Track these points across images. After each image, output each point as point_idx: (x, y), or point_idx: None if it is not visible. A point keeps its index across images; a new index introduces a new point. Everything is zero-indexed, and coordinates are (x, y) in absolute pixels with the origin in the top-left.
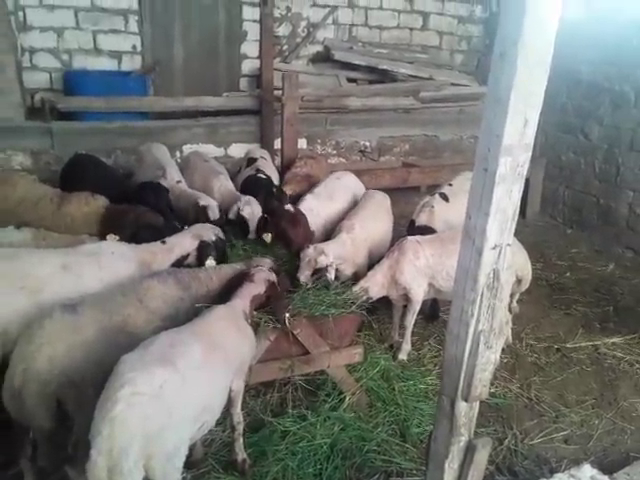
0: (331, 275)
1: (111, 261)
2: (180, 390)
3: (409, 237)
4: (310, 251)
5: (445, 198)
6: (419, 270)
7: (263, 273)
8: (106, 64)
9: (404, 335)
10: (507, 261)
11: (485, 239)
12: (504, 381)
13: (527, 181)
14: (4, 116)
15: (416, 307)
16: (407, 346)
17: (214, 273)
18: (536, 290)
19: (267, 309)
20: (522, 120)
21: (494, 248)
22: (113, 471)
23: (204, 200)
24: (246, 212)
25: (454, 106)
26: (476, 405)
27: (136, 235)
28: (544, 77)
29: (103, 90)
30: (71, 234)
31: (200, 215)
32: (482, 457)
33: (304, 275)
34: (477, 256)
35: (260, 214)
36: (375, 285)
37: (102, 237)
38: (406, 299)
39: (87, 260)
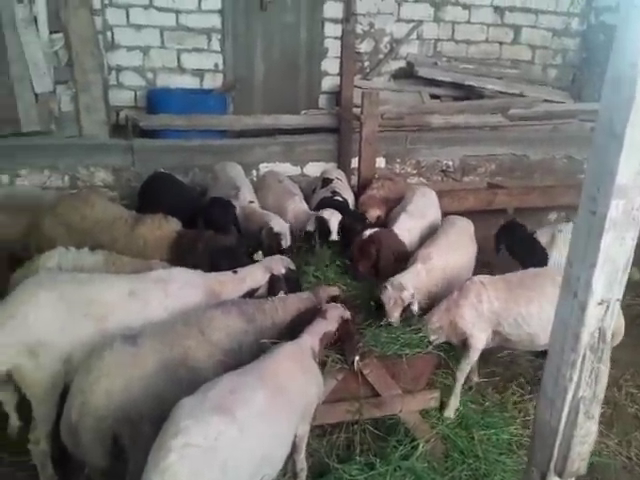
0: (415, 307)
1: (178, 289)
2: (237, 442)
3: (474, 277)
4: (390, 291)
5: None
6: (481, 315)
7: (337, 310)
8: (189, 82)
9: (454, 388)
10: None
11: (590, 293)
12: (600, 436)
13: None
14: (89, 133)
15: (474, 356)
16: (455, 401)
17: (279, 304)
18: (635, 329)
19: (335, 347)
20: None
21: (601, 304)
22: None
23: (278, 226)
24: (326, 214)
25: (547, 124)
26: None
27: (212, 259)
28: None
29: (184, 108)
30: (143, 257)
31: (272, 241)
32: None
33: (394, 318)
34: (579, 312)
35: (340, 217)
36: (431, 329)
37: (173, 262)
38: (465, 346)
39: (154, 287)
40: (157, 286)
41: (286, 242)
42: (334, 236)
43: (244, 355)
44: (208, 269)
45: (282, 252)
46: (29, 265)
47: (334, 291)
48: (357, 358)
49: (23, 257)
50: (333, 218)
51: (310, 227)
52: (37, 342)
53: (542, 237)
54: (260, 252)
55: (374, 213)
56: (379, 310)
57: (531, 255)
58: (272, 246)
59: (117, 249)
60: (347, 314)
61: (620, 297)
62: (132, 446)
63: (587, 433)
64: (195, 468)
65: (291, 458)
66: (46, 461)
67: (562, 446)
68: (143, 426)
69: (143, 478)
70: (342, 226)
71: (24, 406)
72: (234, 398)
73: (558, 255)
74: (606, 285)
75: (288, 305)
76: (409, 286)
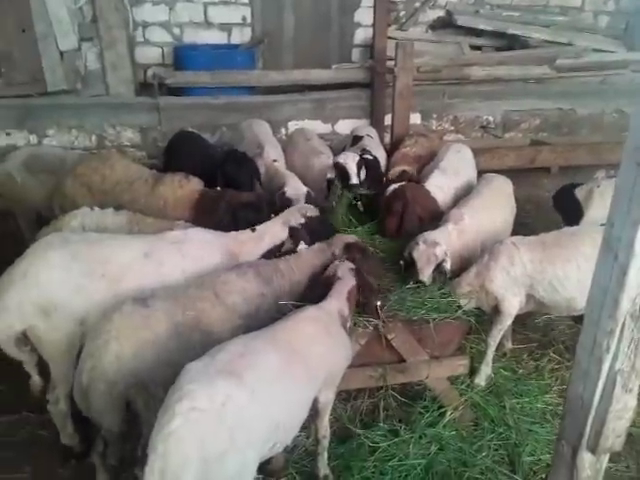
0: (448, 265)
1: (195, 250)
2: (246, 408)
3: (506, 239)
4: (422, 247)
5: None
6: (514, 278)
7: (344, 264)
8: (216, 37)
9: (485, 354)
10: None
11: (633, 254)
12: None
13: None
14: (116, 92)
15: (506, 321)
16: (487, 369)
17: (294, 262)
18: None
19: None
20: None
21: None
22: None
23: (291, 190)
24: (341, 159)
25: (596, 75)
26: (605, 457)
27: (236, 217)
28: None
29: (212, 64)
30: (164, 216)
31: (284, 205)
32: None
33: (426, 276)
34: (620, 275)
35: (358, 158)
36: (461, 294)
37: (195, 221)
38: (497, 312)
39: (170, 248)
40: (173, 247)
41: (297, 192)
42: (354, 179)
43: (262, 318)
44: (231, 228)
45: None
46: (54, 224)
47: (349, 238)
48: (379, 303)
49: (50, 218)
50: (349, 161)
51: (330, 174)
52: (49, 302)
53: (580, 193)
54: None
55: (398, 168)
56: (407, 270)
57: (568, 212)
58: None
59: (138, 209)
60: (351, 266)
61: None
62: (146, 411)
63: (624, 408)
64: (201, 433)
65: (314, 424)
66: (65, 421)
67: (595, 421)
68: (156, 390)
69: (150, 443)
70: (366, 167)
71: (45, 365)
72: (244, 362)
73: (594, 212)
74: None
75: (303, 262)
76: (442, 242)
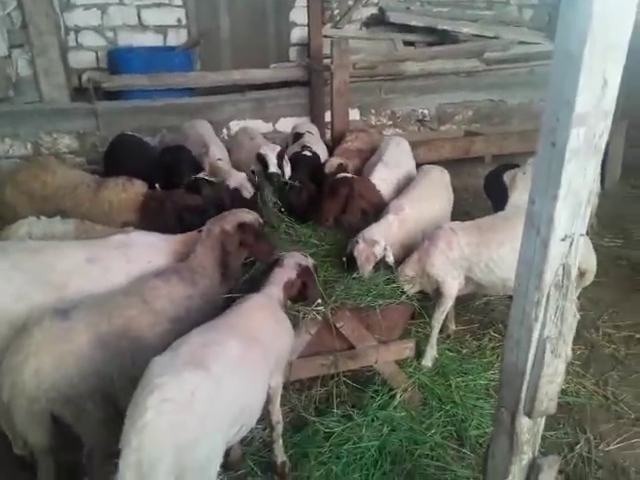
0: (390, 258)
1: (140, 253)
2: (214, 396)
3: (444, 225)
4: (362, 246)
5: None
6: (453, 262)
7: (293, 258)
8: (152, 40)
9: (430, 337)
10: (579, 254)
11: (553, 228)
12: (577, 376)
13: (605, 147)
14: (50, 98)
15: (447, 303)
16: (432, 350)
17: (199, 259)
18: (615, 270)
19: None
20: (600, 81)
21: (564, 239)
22: None
23: (233, 182)
24: (262, 150)
25: (524, 66)
26: (541, 420)
27: (182, 219)
28: (629, 23)
29: (149, 67)
30: (109, 220)
31: (233, 198)
32: (548, 478)
33: (366, 272)
34: (543, 249)
35: (279, 149)
36: (404, 279)
37: (141, 224)
38: (438, 294)
39: (114, 252)
40: (117, 251)
41: (248, 193)
42: (272, 168)
43: (194, 319)
44: (177, 230)
45: (247, 206)
46: None
47: (245, 217)
48: (319, 301)
49: None
50: (269, 151)
51: (253, 166)
52: None
53: (507, 178)
54: None
55: (335, 161)
56: (350, 265)
57: (495, 196)
58: (235, 204)
59: (81, 214)
60: (307, 261)
61: (584, 232)
62: (77, 424)
63: (555, 372)
64: (174, 423)
65: (267, 411)
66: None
67: (530, 386)
68: (83, 403)
69: (121, 440)
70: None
71: None
72: (207, 351)
73: (518, 196)
74: (569, 219)
75: (203, 256)
76: (381, 239)
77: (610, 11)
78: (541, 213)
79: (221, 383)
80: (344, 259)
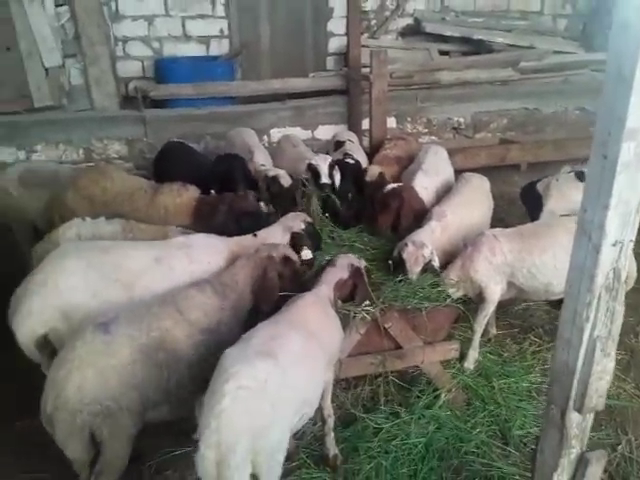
0: (436, 263)
1: (201, 254)
2: (282, 383)
3: (487, 231)
4: (411, 249)
5: (582, 178)
6: (496, 267)
7: (346, 259)
8: (195, 50)
9: (472, 340)
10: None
11: (604, 235)
12: (617, 380)
13: None
14: (100, 106)
15: (489, 308)
16: (474, 353)
17: (233, 275)
18: None
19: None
20: None
21: (614, 245)
22: (221, 465)
23: (272, 171)
24: (314, 160)
25: (558, 75)
26: (590, 416)
27: (237, 223)
28: None
29: (192, 76)
30: (165, 224)
31: (273, 187)
32: (596, 471)
33: (415, 274)
34: (594, 253)
35: (330, 160)
36: (449, 283)
37: (194, 227)
38: (481, 299)
39: (178, 253)
40: (180, 252)
41: (286, 182)
42: (324, 179)
43: (223, 332)
44: (230, 232)
45: (285, 195)
46: (49, 236)
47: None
48: (367, 303)
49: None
50: (321, 162)
51: (304, 175)
52: (69, 306)
53: (540, 187)
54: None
55: (376, 169)
56: (396, 269)
57: (531, 206)
58: (275, 191)
59: (139, 218)
60: (359, 263)
61: (633, 238)
62: (110, 439)
63: (604, 370)
64: (248, 408)
65: (319, 406)
66: None
67: (580, 383)
68: (122, 418)
69: (200, 425)
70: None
71: None
72: (275, 343)
73: (553, 203)
74: (619, 226)
75: (240, 270)
76: (428, 243)
77: None
78: (593, 220)
79: (287, 372)
80: (390, 262)
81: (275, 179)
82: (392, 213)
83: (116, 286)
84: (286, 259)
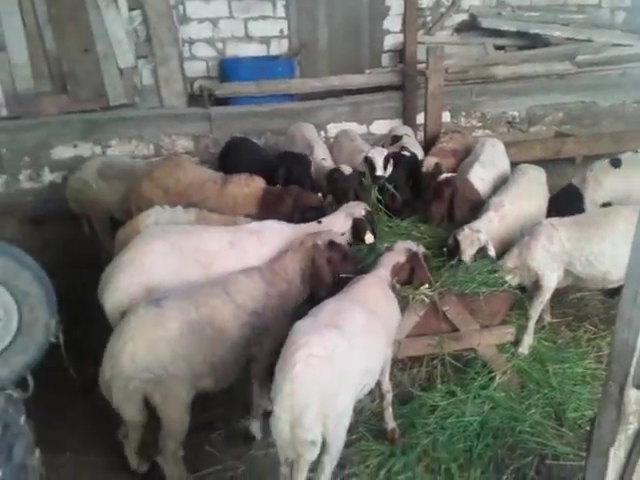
0: (492, 252)
1: (271, 239)
2: (349, 354)
3: (544, 220)
4: (467, 232)
5: (616, 164)
6: (553, 255)
7: (404, 244)
8: (256, 50)
9: (527, 326)
10: None
11: None
12: None
13: None
14: (169, 104)
15: (546, 295)
16: (529, 338)
17: (284, 264)
18: None
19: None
20: None
21: None
22: (295, 425)
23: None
24: (370, 153)
25: (616, 69)
26: None
27: (303, 216)
28: None
29: (254, 75)
30: (233, 213)
31: (335, 175)
32: None
33: (468, 256)
34: None
35: (386, 153)
36: (505, 272)
37: (260, 217)
38: (537, 287)
39: (250, 237)
40: (252, 237)
41: (347, 170)
42: (379, 172)
43: (269, 317)
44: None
45: (346, 187)
46: (130, 223)
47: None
48: (426, 286)
49: (121, 220)
50: (377, 155)
51: (361, 168)
52: (153, 283)
53: (576, 181)
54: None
55: (432, 160)
56: (451, 255)
57: (567, 200)
58: (336, 180)
59: (209, 207)
60: (417, 248)
61: None
62: (163, 404)
63: None
64: (318, 375)
65: (378, 381)
66: None
67: (639, 361)
68: (172, 385)
69: (273, 390)
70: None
71: None
72: (341, 317)
73: (591, 193)
74: None
75: (290, 261)
76: (484, 231)
77: None
78: None
79: (353, 344)
80: (444, 249)
81: (337, 169)
82: (445, 201)
83: (195, 266)
84: (331, 244)
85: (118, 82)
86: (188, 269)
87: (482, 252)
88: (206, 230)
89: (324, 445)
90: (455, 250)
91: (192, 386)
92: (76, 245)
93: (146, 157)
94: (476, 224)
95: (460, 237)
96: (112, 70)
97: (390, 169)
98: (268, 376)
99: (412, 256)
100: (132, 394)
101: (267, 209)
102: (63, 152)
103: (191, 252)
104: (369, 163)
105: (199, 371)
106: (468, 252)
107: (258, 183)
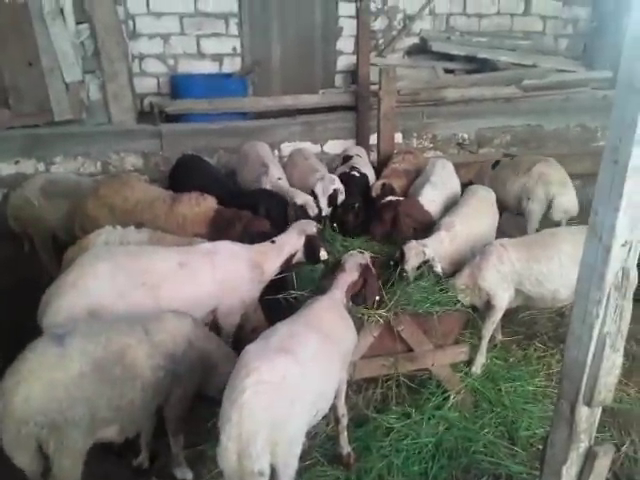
0: (438, 268)
1: (224, 260)
2: (300, 379)
3: (495, 241)
4: (413, 244)
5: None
6: (504, 275)
7: (353, 258)
8: (209, 67)
9: (480, 345)
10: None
11: (614, 236)
12: (620, 384)
13: None
14: (118, 120)
15: (498, 315)
16: (481, 358)
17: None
18: None
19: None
20: None
21: (624, 245)
22: (242, 455)
23: (300, 199)
24: (317, 187)
25: (560, 93)
26: (598, 410)
27: (252, 242)
28: None
29: (206, 92)
30: (182, 232)
31: (299, 214)
32: (603, 465)
33: (410, 266)
34: (604, 253)
35: (332, 191)
36: (459, 289)
37: (210, 237)
38: (489, 307)
39: (202, 259)
40: (204, 258)
41: (313, 211)
42: (323, 212)
43: (186, 365)
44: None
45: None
46: (80, 242)
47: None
48: (378, 299)
49: (65, 240)
50: (321, 193)
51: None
52: (97, 306)
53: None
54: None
55: (379, 182)
56: (397, 269)
57: None
58: (300, 218)
59: (158, 226)
60: (366, 259)
61: None
62: (56, 452)
63: (613, 365)
64: (268, 402)
65: (333, 405)
66: None
67: (590, 378)
68: (69, 432)
69: (221, 418)
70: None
71: None
72: (294, 341)
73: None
74: (629, 228)
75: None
76: (432, 248)
77: None
78: (603, 222)
79: (306, 369)
80: (391, 262)
81: (302, 208)
82: (386, 224)
83: (142, 288)
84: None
85: (64, 97)
86: (134, 291)
87: (427, 267)
88: (155, 251)
89: (274, 474)
90: (400, 261)
91: (90, 434)
92: (16, 265)
93: (93, 175)
94: (425, 241)
95: (405, 248)
96: (57, 84)
97: (341, 198)
98: (180, 427)
99: (364, 269)
100: (24, 439)
101: (217, 231)
102: (4, 169)
103: (137, 274)
104: (315, 197)
105: (102, 417)
106: (411, 263)
107: (210, 202)
